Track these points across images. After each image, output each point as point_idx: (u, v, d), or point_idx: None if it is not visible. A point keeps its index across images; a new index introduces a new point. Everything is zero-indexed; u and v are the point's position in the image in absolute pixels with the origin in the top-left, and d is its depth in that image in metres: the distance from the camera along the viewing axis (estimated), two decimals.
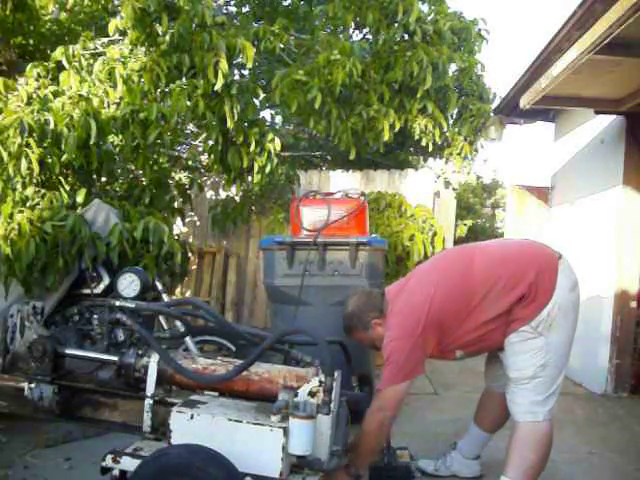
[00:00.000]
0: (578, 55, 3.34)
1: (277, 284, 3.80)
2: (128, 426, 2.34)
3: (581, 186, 5.62)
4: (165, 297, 3.58)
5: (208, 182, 6.61)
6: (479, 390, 4.87)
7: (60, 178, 3.67)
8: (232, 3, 7.47)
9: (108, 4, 4.96)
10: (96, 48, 4.42)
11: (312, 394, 2.06)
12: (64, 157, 3.57)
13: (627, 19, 2.80)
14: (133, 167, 4.56)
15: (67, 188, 3.66)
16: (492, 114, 5.90)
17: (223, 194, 6.59)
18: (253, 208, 6.32)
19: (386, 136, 5.01)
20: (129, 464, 2.01)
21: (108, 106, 4.01)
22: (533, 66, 5.22)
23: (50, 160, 3.57)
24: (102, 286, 3.05)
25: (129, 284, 2.52)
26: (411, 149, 7.60)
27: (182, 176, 5.97)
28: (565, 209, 6.00)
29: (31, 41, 5.32)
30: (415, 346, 2.45)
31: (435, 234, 5.32)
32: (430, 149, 5.59)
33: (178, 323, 3.35)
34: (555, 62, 3.74)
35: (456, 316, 2.48)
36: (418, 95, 5.04)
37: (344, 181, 6.28)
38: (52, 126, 3.49)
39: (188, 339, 3.50)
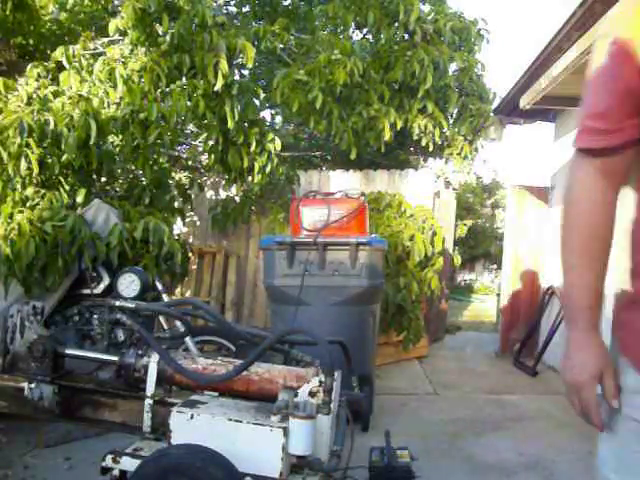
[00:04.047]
0: (578, 55, 3.35)
1: (277, 284, 3.80)
2: (128, 426, 2.33)
3: None
4: (165, 297, 3.58)
5: (208, 182, 6.61)
6: (479, 390, 4.91)
7: (60, 178, 3.67)
8: (232, 3, 7.46)
9: (108, 4, 4.96)
10: (96, 48, 4.42)
11: (312, 394, 2.06)
12: (64, 157, 3.56)
13: None
14: (133, 167, 4.56)
15: (67, 188, 3.66)
16: (492, 114, 5.90)
17: (223, 194, 6.59)
18: (253, 208, 6.31)
19: (387, 135, 5.01)
20: (129, 464, 2.00)
21: (108, 106, 4.01)
22: (533, 66, 5.22)
23: (50, 160, 3.57)
24: (102, 286, 3.05)
25: (129, 284, 2.52)
26: (411, 149, 7.60)
27: (182, 176, 5.97)
28: None
29: (31, 41, 5.31)
30: None
31: (435, 234, 5.32)
32: (430, 149, 5.59)
33: (178, 323, 3.35)
34: (555, 62, 3.75)
35: None
36: (419, 95, 5.04)
37: (344, 181, 6.28)
38: (52, 126, 3.49)
39: (188, 339, 3.50)
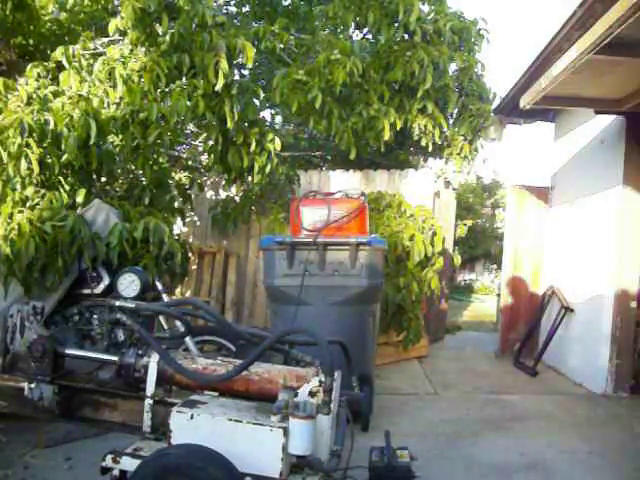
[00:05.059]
0: (578, 55, 3.34)
1: (277, 284, 3.80)
2: (128, 426, 2.34)
3: (581, 186, 5.62)
4: (165, 297, 3.58)
5: (208, 182, 6.61)
6: (479, 390, 4.91)
7: (60, 178, 3.66)
8: (232, 3, 7.46)
9: (108, 4, 4.96)
10: (96, 48, 4.41)
11: (312, 394, 2.06)
12: (64, 157, 3.56)
13: (627, 19, 2.80)
14: (133, 167, 4.56)
15: (67, 188, 3.66)
16: (492, 114, 5.90)
17: (223, 194, 6.59)
18: (253, 208, 6.31)
19: (386, 135, 5.01)
20: (129, 464, 2.01)
21: (108, 106, 4.01)
22: (533, 66, 5.22)
23: (50, 160, 3.57)
24: (102, 286, 3.05)
25: (129, 284, 2.52)
26: (411, 149, 7.60)
27: (182, 176, 5.96)
28: (565, 209, 6.00)
29: (31, 41, 5.30)
30: None
31: (435, 234, 5.32)
32: (430, 149, 5.59)
33: (178, 323, 3.35)
34: (555, 62, 3.74)
35: None
36: (418, 95, 5.04)
37: (344, 181, 6.28)
38: (52, 126, 3.49)
39: (188, 339, 3.50)
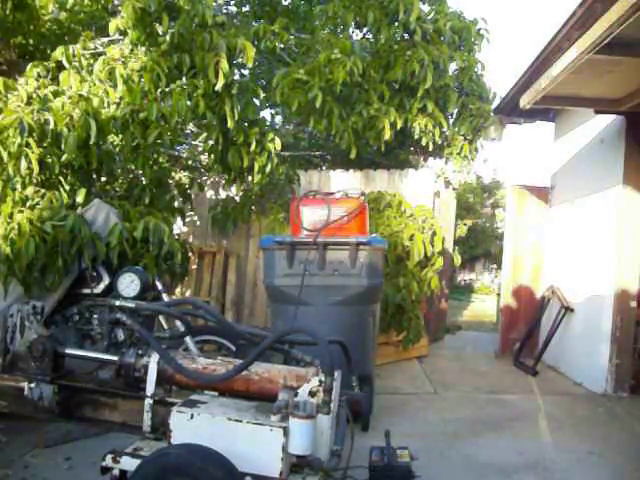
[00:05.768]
0: (578, 55, 3.34)
1: (277, 284, 3.80)
2: (128, 426, 2.34)
3: (581, 186, 5.62)
4: (165, 297, 3.57)
5: (208, 182, 6.62)
6: (479, 390, 4.91)
7: (60, 178, 3.66)
8: (232, 3, 7.46)
9: (108, 4, 4.95)
10: (96, 48, 4.41)
11: (312, 394, 2.06)
12: (64, 157, 3.56)
13: (627, 19, 2.80)
14: (133, 167, 4.56)
15: (67, 188, 3.66)
16: (492, 114, 5.90)
17: (223, 194, 6.60)
18: (253, 208, 6.32)
19: (387, 135, 5.01)
20: (129, 464, 2.01)
21: (108, 106, 4.01)
22: (533, 66, 5.22)
23: (50, 160, 3.57)
24: (102, 286, 3.05)
25: (129, 284, 2.52)
26: (411, 149, 7.60)
27: (182, 176, 5.97)
28: (565, 209, 6.00)
29: (31, 41, 5.30)
30: None
31: (435, 234, 5.32)
32: (430, 149, 5.59)
33: (178, 323, 3.35)
34: (555, 62, 3.75)
35: None
36: (419, 94, 5.04)
37: (344, 181, 6.28)
38: (52, 126, 3.49)
39: (188, 339, 3.49)
